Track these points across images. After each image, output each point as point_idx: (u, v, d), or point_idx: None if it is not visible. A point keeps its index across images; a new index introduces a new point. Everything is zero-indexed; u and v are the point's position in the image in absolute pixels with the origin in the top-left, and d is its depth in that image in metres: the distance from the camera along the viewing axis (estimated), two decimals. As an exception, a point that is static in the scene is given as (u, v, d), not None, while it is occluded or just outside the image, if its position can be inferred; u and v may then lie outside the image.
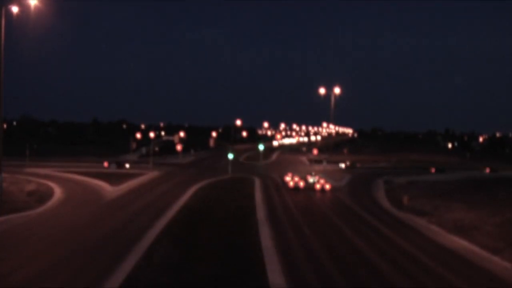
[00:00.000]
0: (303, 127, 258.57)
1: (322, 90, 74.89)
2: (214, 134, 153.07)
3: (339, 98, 71.72)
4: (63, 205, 39.57)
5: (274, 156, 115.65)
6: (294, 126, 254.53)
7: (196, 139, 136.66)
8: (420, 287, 20.89)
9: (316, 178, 57.70)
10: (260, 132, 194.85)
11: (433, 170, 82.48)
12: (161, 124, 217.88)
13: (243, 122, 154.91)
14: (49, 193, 45.37)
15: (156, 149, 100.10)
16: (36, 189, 47.23)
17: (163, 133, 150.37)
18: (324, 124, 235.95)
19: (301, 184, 55.24)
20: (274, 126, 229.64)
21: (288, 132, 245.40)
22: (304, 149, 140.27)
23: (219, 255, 24.60)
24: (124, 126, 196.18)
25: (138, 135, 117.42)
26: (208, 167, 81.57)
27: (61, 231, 29.84)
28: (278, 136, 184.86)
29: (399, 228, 33.61)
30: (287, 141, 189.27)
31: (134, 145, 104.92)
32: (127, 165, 74.32)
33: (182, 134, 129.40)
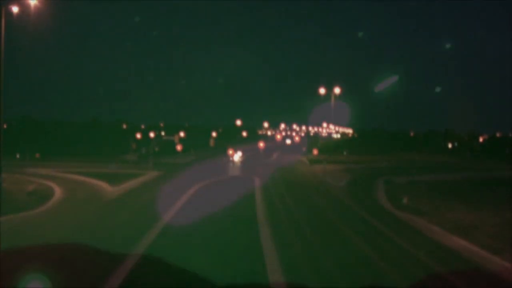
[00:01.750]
0: (303, 127, 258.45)
1: (322, 90, 74.91)
2: (214, 134, 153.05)
3: (340, 98, 71.75)
4: (64, 205, 39.62)
5: (274, 156, 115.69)
6: (294, 126, 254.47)
7: (196, 139, 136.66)
8: (420, 287, 20.85)
9: None
10: (260, 132, 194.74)
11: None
12: (161, 124, 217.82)
13: (243, 122, 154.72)
14: (50, 193, 45.43)
15: (156, 149, 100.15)
16: (36, 189, 47.28)
17: (163, 133, 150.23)
18: (324, 124, 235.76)
19: None
20: (274, 126, 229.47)
21: (288, 132, 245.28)
22: (303, 149, 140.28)
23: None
24: (124, 126, 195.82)
25: (138, 135, 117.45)
26: (209, 167, 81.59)
27: (61, 231, 29.81)
28: (278, 136, 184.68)
29: (399, 227, 33.58)
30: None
31: (134, 145, 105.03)
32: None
33: (182, 134, 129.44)
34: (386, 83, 62.92)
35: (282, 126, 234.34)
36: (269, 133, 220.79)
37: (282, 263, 22.26)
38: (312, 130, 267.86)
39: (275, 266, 21.64)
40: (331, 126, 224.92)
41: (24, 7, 36.50)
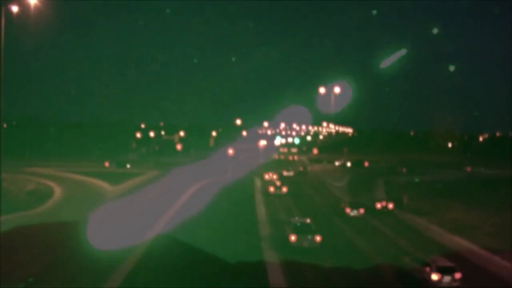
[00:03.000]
0: (303, 127, 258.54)
1: (322, 90, 74.79)
2: (214, 133, 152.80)
3: (339, 97, 71.58)
4: (63, 205, 39.56)
5: (275, 156, 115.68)
6: (294, 126, 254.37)
7: (196, 138, 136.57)
8: (420, 287, 20.92)
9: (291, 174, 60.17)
10: (260, 132, 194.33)
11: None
12: (161, 124, 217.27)
13: (243, 122, 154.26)
14: (49, 193, 45.34)
15: (156, 148, 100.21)
16: (36, 189, 47.24)
17: (163, 133, 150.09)
18: (324, 124, 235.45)
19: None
20: (274, 126, 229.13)
21: (288, 132, 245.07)
22: (304, 148, 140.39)
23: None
24: (124, 126, 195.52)
25: (138, 135, 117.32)
26: (208, 166, 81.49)
27: (61, 231, 29.79)
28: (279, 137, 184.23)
29: (399, 228, 33.62)
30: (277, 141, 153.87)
31: (134, 145, 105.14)
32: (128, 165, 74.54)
33: (182, 133, 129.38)
34: (393, 58, 61.16)
35: (282, 125, 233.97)
36: (269, 132, 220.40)
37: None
38: (312, 129, 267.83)
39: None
40: (331, 126, 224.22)
41: (24, 7, 36.47)
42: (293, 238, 26.07)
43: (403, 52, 63.18)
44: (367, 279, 21.87)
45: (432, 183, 59.25)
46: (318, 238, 26.07)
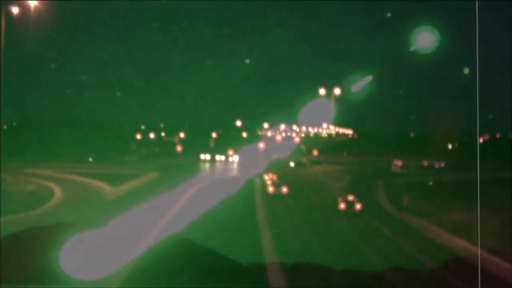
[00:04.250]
0: (303, 128, 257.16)
1: (322, 91, 74.85)
2: (214, 135, 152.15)
3: (340, 98, 71.54)
4: (63, 206, 39.51)
5: (274, 157, 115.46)
6: (294, 127, 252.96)
7: (197, 139, 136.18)
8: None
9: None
10: (260, 133, 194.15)
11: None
12: (161, 125, 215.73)
13: (243, 122, 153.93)
14: (49, 194, 45.26)
15: (157, 149, 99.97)
16: (36, 190, 47.14)
17: (163, 134, 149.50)
18: (324, 125, 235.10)
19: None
20: (274, 127, 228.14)
21: (288, 133, 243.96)
22: (303, 148, 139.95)
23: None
24: (125, 126, 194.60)
25: (138, 136, 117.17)
26: (209, 167, 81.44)
27: (61, 232, 29.68)
28: (279, 137, 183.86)
29: (399, 228, 33.60)
30: None
31: (134, 146, 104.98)
32: None
33: (182, 135, 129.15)
34: (362, 83, 63.20)
35: (282, 127, 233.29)
36: (269, 133, 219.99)
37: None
38: (312, 131, 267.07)
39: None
40: (331, 127, 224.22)
41: (24, 7, 36.49)
42: (271, 189, 47.76)
43: (369, 78, 65.76)
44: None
45: (434, 184, 59.20)
46: (284, 189, 46.65)
